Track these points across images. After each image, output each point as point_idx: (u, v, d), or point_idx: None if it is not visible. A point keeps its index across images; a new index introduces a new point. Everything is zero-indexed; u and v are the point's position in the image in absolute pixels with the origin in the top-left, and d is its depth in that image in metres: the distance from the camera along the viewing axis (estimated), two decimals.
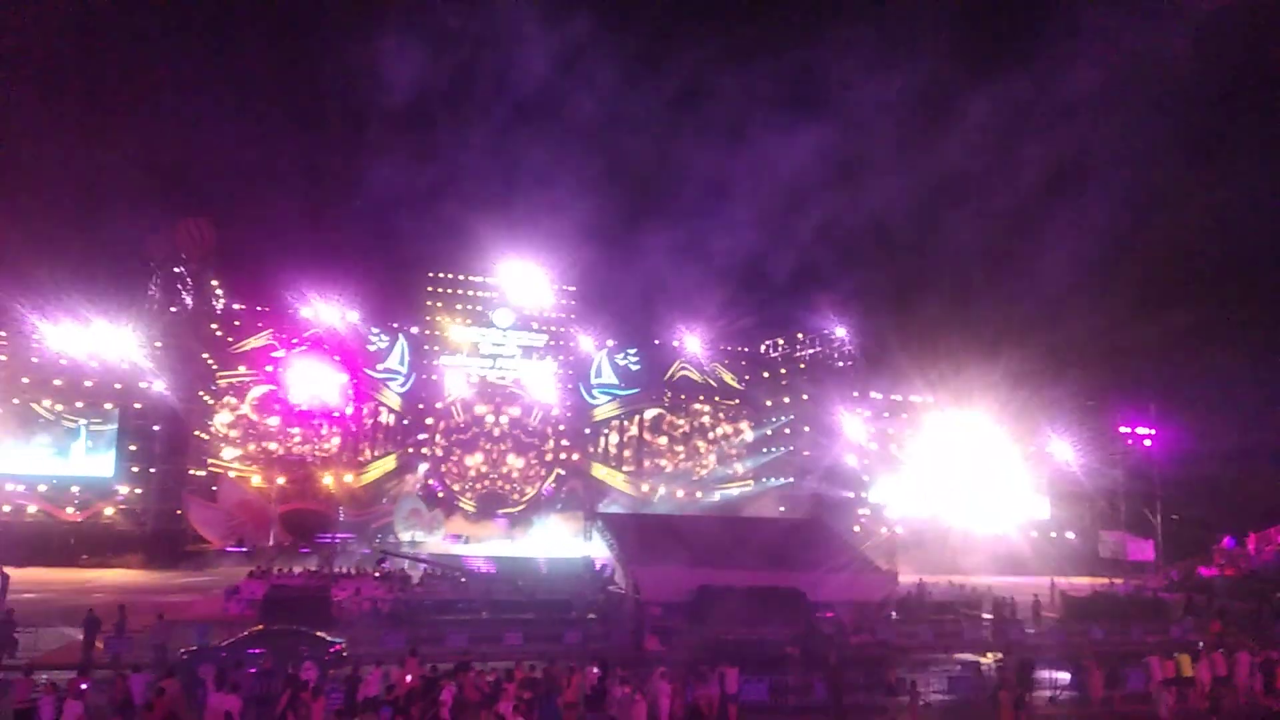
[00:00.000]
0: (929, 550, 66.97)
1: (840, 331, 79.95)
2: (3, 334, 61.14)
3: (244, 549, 57.73)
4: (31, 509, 59.27)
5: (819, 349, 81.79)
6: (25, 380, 61.39)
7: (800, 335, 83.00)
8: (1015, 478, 78.45)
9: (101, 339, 60.87)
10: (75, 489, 60.74)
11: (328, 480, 67.74)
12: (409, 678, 21.27)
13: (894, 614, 38.16)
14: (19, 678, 21.44)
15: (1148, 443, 65.97)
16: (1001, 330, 71.02)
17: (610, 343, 78.43)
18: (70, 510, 59.90)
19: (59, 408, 61.75)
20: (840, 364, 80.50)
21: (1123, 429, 68.50)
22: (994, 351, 68.71)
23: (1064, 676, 26.70)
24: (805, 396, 79.45)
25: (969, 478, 76.40)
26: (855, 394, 77.97)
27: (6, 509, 58.36)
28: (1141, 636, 36.27)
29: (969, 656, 32.07)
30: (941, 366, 72.46)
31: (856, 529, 71.07)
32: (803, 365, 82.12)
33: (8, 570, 38.94)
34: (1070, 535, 77.29)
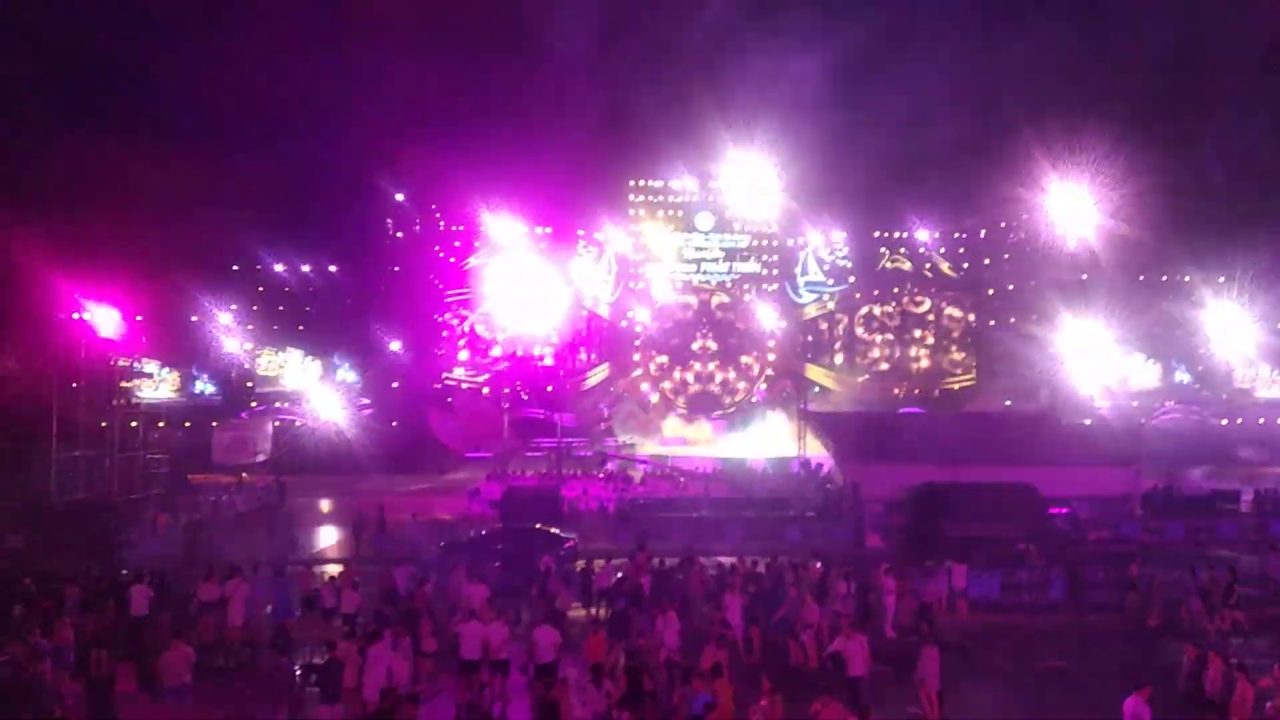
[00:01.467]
0: (1182, 441, 61.66)
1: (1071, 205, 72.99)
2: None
3: (481, 454, 62.01)
4: (297, 422, 66.36)
5: (1050, 228, 75.21)
6: (281, 308, 68.66)
7: (1025, 215, 76.60)
8: None
9: (341, 269, 67.46)
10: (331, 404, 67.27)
11: (549, 388, 71.38)
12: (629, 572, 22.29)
13: (1139, 510, 35.94)
14: (303, 570, 24.49)
15: None
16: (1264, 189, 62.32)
17: (817, 237, 76.32)
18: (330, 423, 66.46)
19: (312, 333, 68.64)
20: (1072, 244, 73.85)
21: None
22: (1250, 216, 60.74)
23: None
24: (1033, 282, 74.06)
25: (1229, 359, 69.19)
26: (1086, 277, 71.68)
27: (277, 423, 65.64)
28: None
29: (1225, 553, 29.67)
30: (1189, 236, 65.12)
31: (1092, 421, 66.46)
32: (1029, 249, 76.09)
33: (284, 479, 44.10)
34: None
